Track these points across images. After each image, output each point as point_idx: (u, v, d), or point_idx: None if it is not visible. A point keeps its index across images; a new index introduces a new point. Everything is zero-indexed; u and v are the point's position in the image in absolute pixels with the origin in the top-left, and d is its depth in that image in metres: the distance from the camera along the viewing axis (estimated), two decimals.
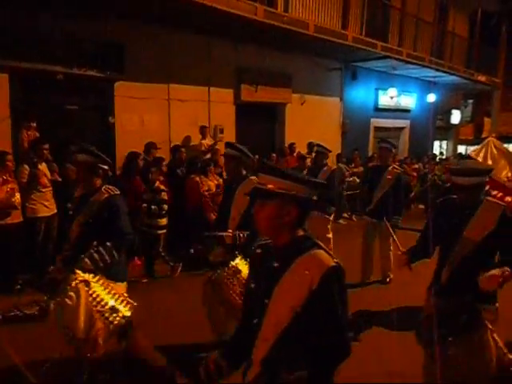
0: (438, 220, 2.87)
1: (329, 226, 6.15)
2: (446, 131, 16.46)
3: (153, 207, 5.60)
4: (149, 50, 6.85)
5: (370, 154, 11.19)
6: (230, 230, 3.38)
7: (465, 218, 2.71)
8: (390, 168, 5.62)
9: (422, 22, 11.52)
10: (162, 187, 5.76)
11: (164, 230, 5.83)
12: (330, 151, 6.66)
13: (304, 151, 8.94)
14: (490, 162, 5.91)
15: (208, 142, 7.71)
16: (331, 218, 6.21)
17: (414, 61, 10.83)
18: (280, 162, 8.51)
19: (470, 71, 13.59)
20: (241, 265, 3.23)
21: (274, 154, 8.64)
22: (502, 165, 6.07)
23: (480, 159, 5.99)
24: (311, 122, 9.71)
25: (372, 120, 12.04)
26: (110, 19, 6.20)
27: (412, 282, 3.81)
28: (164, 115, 7.33)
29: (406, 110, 13.28)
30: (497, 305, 2.71)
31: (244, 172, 3.54)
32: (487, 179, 2.79)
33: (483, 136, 17.95)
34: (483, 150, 6.23)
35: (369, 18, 9.97)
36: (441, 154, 15.39)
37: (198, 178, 6.38)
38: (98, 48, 6.31)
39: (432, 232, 2.86)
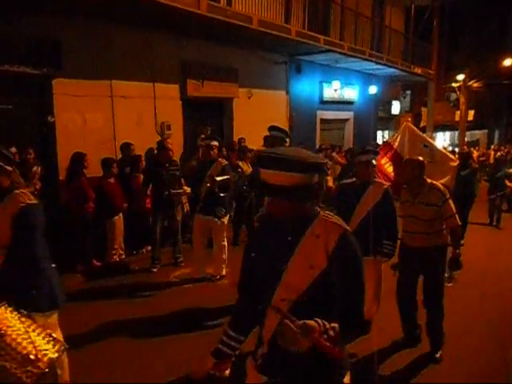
0: (254, 252, 1.77)
1: (223, 233, 5.54)
2: (388, 121, 17.28)
3: None
4: (88, 45, 6.55)
5: (318, 146, 11.47)
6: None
7: (285, 249, 1.63)
8: None
9: (361, 16, 11.94)
10: None
11: None
12: (221, 144, 6.05)
13: (256, 145, 8.97)
14: (406, 147, 5.99)
15: None
16: (225, 221, 5.50)
17: (355, 54, 11.21)
18: (230, 157, 8.50)
19: (406, 64, 14.30)
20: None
21: (224, 149, 8.59)
22: (416, 148, 6.14)
23: (396, 144, 5.95)
24: (259, 115, 9.77)
25: (318, 112, 12.32)
26: (44, 12, 5.84)
27: None
28: (108, 113, 7.06)
29: (350, 102, 13.73)
30: None
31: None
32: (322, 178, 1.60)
33: (421, 125, 19.02)
34: (399, 136, 6.09)
35: (311, 13, 10.18)
36: (384, 143, 16.08)
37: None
38: (32, 43, 5.91)
39: (250, 279, 1.78)
